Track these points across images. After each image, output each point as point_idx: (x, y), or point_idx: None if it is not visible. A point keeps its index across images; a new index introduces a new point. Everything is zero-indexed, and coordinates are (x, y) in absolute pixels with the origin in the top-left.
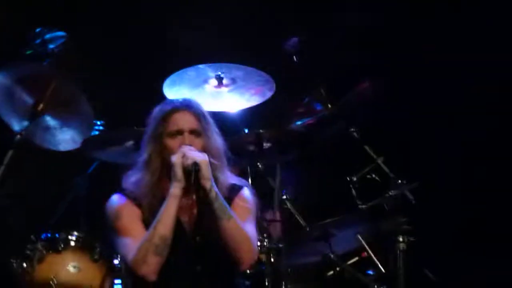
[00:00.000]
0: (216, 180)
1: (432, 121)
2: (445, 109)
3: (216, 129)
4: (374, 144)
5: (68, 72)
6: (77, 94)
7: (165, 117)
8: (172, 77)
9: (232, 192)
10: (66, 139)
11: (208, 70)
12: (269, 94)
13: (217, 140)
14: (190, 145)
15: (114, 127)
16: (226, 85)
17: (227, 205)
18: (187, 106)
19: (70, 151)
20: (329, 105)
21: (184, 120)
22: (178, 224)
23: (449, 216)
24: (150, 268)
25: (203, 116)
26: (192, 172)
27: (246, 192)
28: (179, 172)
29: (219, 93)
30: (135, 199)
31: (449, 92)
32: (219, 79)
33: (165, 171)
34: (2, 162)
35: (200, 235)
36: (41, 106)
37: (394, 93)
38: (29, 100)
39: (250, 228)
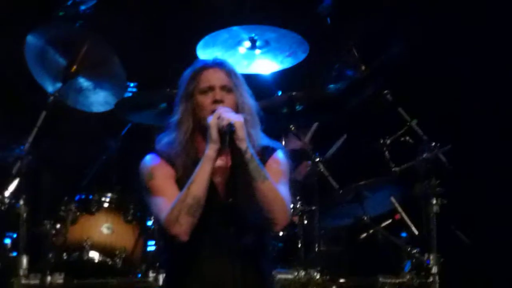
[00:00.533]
0: (249, 138)
1: (467, 83)
2: (480, 70)
3: (248, 89)
4: (407, 106)
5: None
6: (110, 56)
7: (196, 75)
8: (206, 39)
9: (266, 154)
10: (99, 100)
11: (242, 32)
12: (302, 56)
13: (249, 99)
14: (222, 100)
15: (147, 89)
16: (260, 47)
17: (262, 166)
18: (218, 64)
19: (103, 113)
20: (363, 67)
21: (215, 77)
22: (211, 186)
23: (482, 178)
24: (182, 228)
25: (234, 74)
26: (227, 133)
27: (280, 154)
28: (214, 133)
29: (253, 55)
30: (169, 159)
31: (485, 52)
32: (253, 41)
33: (198, 130)
34: (35, 124)
35: (233, 197)
36: (74, 67)
37: (428, 55)
38: (62, 61)
39: (284, 190)
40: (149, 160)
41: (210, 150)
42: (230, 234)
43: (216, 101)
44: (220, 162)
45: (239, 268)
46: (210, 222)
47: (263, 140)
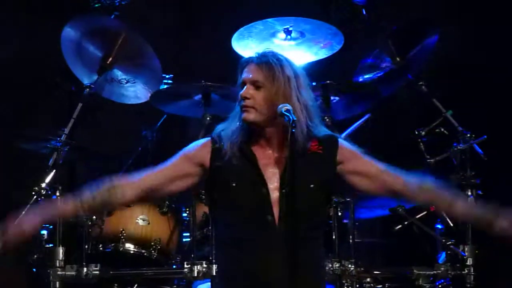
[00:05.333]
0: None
1: (503, 73)
2: None
3: (302, 80)
4: (442, 97)
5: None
6: (145, 48)
7: (239, 70)
8: (241, 30)
9: (326, 145)
10: (134, 92)
11: (277, 24)
12: (337, 48)
13: (294, 91)
14: (246, 97)
15: (182, 81)
16: (295, 39)
17: None
18: (257, 57)
19: (138, 104)
20: (398, 58)
21: (248, 72)
22: (262, 177)
23: None
24: None
25: (269, 68)
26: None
27: (342, 141)
28: None
29: (288, 47)
30: (218, 144)
31: None
32: (288, 32)
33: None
34: (71, 115)
35: (288, 187)
36: (109, 59)
37: (463, 45)
38: (97, 53)
39: (379, 164)
40: (194, 143)
41: None
42: (282, 224)
43: (242, 98)
44: (278, 153)
45: (292, 258)
46: (262, 213)
47: (320, 129)
